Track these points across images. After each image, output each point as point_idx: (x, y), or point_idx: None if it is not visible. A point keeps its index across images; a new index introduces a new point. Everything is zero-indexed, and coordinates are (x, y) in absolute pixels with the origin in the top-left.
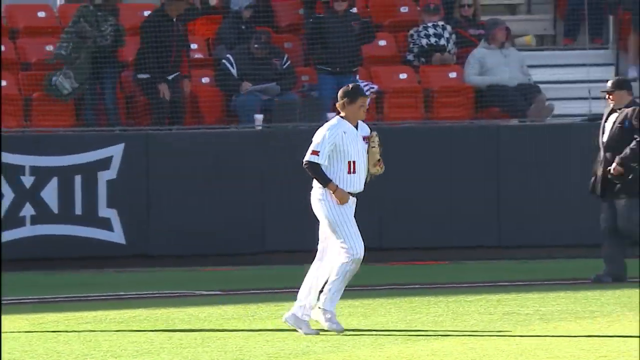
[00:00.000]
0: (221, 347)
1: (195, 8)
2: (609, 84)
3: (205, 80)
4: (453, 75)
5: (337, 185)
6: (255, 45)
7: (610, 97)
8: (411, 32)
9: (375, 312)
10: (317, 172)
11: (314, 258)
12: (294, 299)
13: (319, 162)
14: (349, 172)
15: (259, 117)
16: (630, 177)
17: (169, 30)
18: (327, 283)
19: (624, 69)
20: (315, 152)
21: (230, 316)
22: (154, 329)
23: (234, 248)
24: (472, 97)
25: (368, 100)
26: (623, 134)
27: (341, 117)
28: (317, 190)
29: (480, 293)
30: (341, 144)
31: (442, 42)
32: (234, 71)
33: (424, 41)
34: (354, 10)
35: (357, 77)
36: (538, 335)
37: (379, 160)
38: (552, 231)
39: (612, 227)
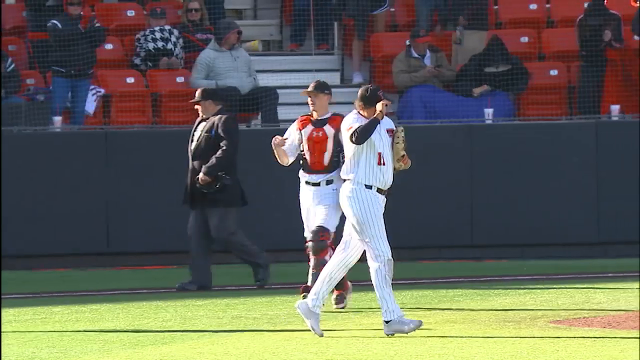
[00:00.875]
0: None
1: None
2: (197, 94)
3: None
4: (181, 79)
5: (379, 112)
6: None
7: (199, 106)
8: (138, 36)
9: (103, 317)
10: (362, 129)
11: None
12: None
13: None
14: (379, 164)
15: None
16: (218, 186)
17: None
18: (376, 291)
19: (349, 74)
20: (350, 127)
21: None
22: None
23: None
24: None
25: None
26: (210, 142)
27: (359, 113)
28: (346, 187)
29: (208, 297)
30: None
31: (170, 46)
32: None
33: (151, 45)
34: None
35: (91, 80)
36: (267, 339)
37: (403, 155)
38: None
39: (198, 236)
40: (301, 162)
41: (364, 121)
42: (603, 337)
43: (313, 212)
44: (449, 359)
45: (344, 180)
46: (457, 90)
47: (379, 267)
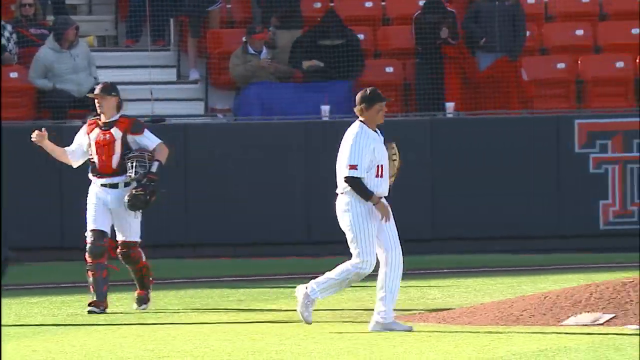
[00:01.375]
0: None
1: None
2: None
3: None
4: (14, 75)
5: (379, 198)
6: None
7: None
8: None
9: None
10: (359, 187)
11: None
12: None
13: (359, 176)
14: (377, 176)
15: None
16: None
17: None
18: (325, 275)
19: (185, 71)
20: (353, 167)
21: None
22: None
23: None
24: (34, 97)
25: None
26: None
27: (361, 121)
28: (343, 199)
29: (44, 295)
30: (374, 151)
31: (3, 41)
32: None
33: None
34: None
35: None
36: (103, 336)
37: (396, 171)
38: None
39: None
40: (90, 165)
41: (370, 137)
42: (438, 332)
43: (106, 214)
44: (285, 355)
45: (340, 193)
46: (291, 63)
47: (352, 272)
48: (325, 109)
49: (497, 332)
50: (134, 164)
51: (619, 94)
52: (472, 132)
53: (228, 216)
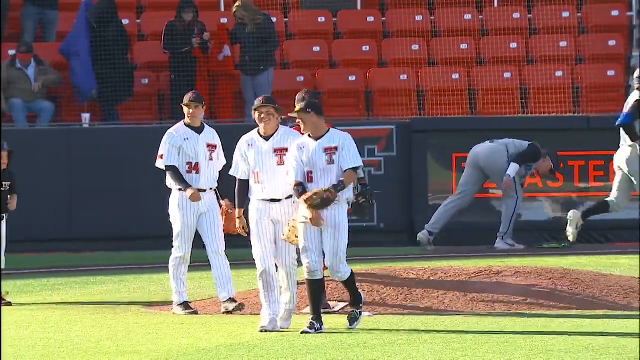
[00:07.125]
0: None
1: None
2: None
3: None
4: None
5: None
6: None
7: None
8: None
9: None
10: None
11: None
12: None
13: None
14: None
15: None
16: None
17: None
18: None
19: None
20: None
21: None
22: None
23: None
24: None
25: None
26: None
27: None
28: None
29: None
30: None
31: None
32: None
33: None
34: None
35: None
36: None
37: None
38: None
39: None
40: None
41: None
42: (191, 321)
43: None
44: (50, 342)
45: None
46: None
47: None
48: (85, 116)
49: (243, 320)
50: None
51: (352, 104)
52: None
53: None
